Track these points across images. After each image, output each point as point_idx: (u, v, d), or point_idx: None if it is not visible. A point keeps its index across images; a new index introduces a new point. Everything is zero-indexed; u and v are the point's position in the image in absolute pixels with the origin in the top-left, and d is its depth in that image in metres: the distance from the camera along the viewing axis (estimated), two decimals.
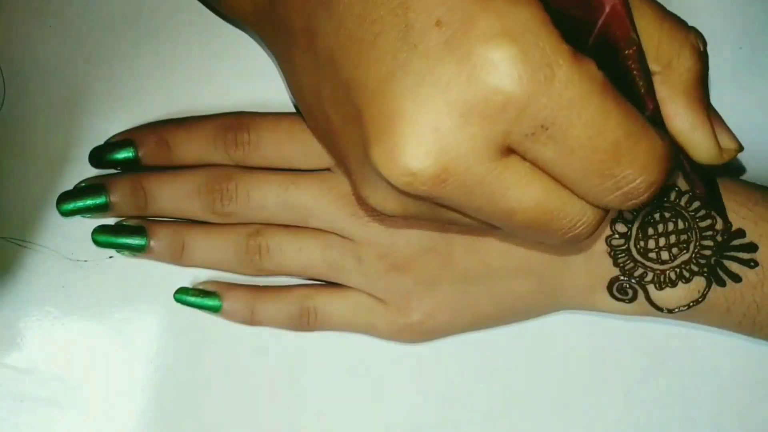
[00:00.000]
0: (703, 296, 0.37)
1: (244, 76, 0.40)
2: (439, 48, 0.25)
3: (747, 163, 0.42)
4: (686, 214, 0.37)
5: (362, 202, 0.37)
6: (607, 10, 0.26)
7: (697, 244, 0.37)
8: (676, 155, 0.29)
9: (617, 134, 0.26)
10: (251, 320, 0.40)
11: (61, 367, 0.40)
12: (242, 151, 0.38)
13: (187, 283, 0.40)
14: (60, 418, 0.40)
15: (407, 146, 0.26)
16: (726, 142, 0.31)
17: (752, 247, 0.36)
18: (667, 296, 0.37)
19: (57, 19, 0.39)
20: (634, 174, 0.26)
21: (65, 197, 0.38)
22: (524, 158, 0.27)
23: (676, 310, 0.37)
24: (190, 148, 0.38)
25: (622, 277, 0.37)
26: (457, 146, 0.26)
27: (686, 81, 0.29)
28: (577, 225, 0.28)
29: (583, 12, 0.27)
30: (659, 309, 0.37)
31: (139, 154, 0.39)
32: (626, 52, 0.27)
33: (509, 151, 0.26)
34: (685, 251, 0.37)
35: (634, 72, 0.28)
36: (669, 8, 0.42)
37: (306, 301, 0.39)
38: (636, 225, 0.37)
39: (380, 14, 0.26)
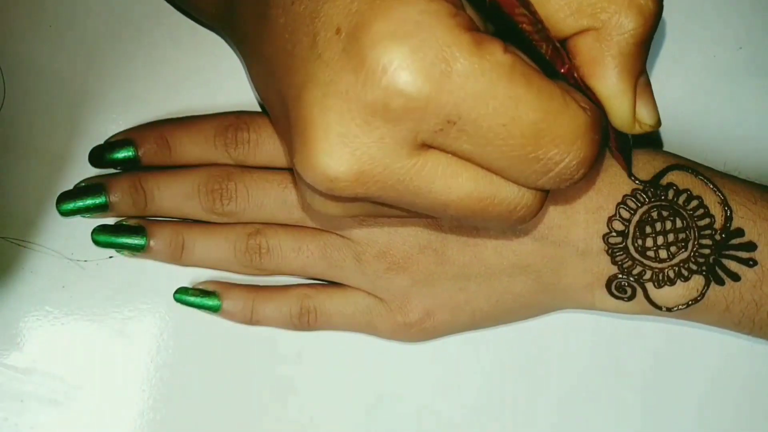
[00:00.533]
0: (702, 295, 0.37)
1: (244, 75, 0.40)
2: (339, 56, 0.25)
3: (746, 162, 0.42)
4: (684, 213, 0.37)
5: (308, 209, 0.38)
6: None
7: (696, 242, 0.37)
8: (602, 120, 0.28)
9: (532, 117, 0.25)
10: (251, 320, 0.40)
11: (61, 367, 0.40)
12: (242, 150, 0.38)
13: (186, 283, 0.40)
14: (60, 417, 0.40)
15: (320, 155, 0.26)
16: (644, 116, 0.29)
17: (751, 246, 0.36)
18: (665, 295, 0.37)
19: (57, 19, 0.39)
20: (560, 153, 0.26)
21: (65, 197, 0.38)
22: (444, 151, 0.27)
23: (675, 308, 0.37)
24: (190, 147, 0.39)
25: (620, 276, 0.37)
26: (368, 150, 0.26)
27: (621, 43, 0.27)
28: (517, 209, 0.28)
29: None
30: (658, 307, 0.37)
31: (139, 154, 0.39)
32: (516, 17, 0.26)
33: (427, 145, 0.26)
34: (683, 250, 0.37)
35: (532, 37, 0.27)
36: (669, 8, 0.42)
37: (306, 301, 0.39)
38: (633, 223, 0.37)
39: (297, 25, 0.27)
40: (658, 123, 0.30)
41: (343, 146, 0.26)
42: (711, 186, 0.37)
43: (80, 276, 0.40)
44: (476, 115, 0.25)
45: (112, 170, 0.39)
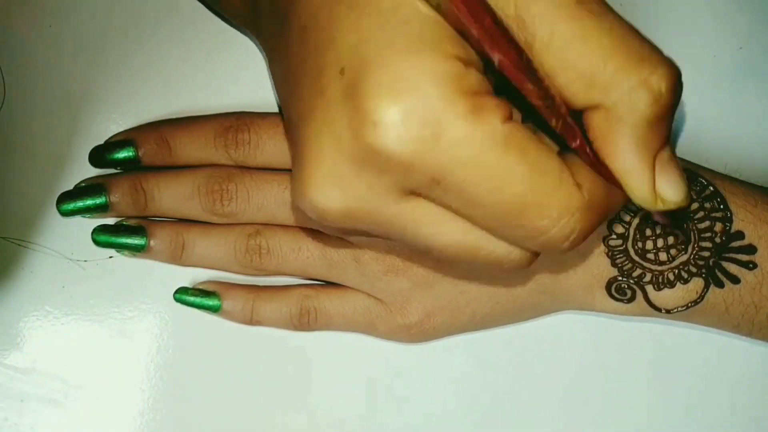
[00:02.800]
0: (702, 297, 0.37)
1: (244, 76, 0.40)
2: (338, 97, 0.25)
3: (747, 163, 0.42)
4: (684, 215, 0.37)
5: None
6: (496, 61, 0.25)
7: (696, 245, 0.37)
8: (603, 201, 0.27)
9: (519, 190, 0.25)
10: (251, 320, 0.40)
11: (61, 367, 0.40)
12: (243, 151, 0.38)
13: (186, 283, 0.40)
14: (60, 418, 0.40)
15: (311, 189, 0.27)
16: (668, 193, 0.28)
17: (751, 249, 0.36)
18: (665, 297, 0.37)
19: (57, 19, 0.39)
20: (546, 226, 0.26)
21: (65, 197, 0.38)
22: (433, 202, 0.27)
23: (675, 310, 0.37)
24: (191, 147, 0.38)
25: (620, 278, 0.37)
26: (356, 191, 0.26)
27: (634, 122, 0.26)
28: (505, 262, 0.29)
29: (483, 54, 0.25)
30: (658, 309, 0.38)
31: (139, 154, 0.39)
32: (524, 92, 0.26)
33: (416, 193, 0.27)
34: (683, 252, 0.37)
35: (541, 111, 0.26)
36: (671, 8, 0.42)
37: (306, 301, 0.39)
38: (634, 226, 0.37)
39: (307, 54, 0.27)
40: (686, 200, 0.28)
41: (333, 184, 0.26)
42: (711, 188, 0.37)
43: (80, 276, 0.40)
44: (461, 180, 0.25)
45: (112, 170, 0.39)
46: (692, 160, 0.38)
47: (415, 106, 0.24)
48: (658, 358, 0.41)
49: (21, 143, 0.39)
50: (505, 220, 0.26)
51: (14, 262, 0.39)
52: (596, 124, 0.26)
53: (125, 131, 0.39)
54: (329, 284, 0.40)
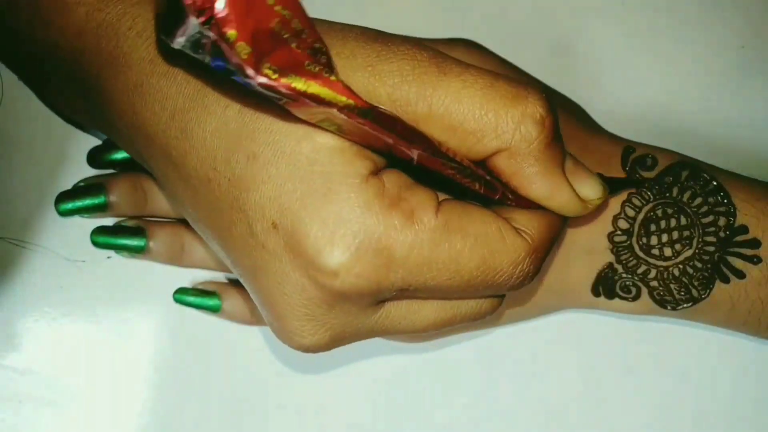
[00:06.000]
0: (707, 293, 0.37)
1: None
2: (284, 252, 0.27)
3: (749, 160, 0.42)
4: (689, 210, 0.37)
5: None
6: (415, 158, 0.27)
7: (700, 240, 0.36)
8: (546, 232, 0.30)
9: (473, 265, 0.28)
10: (251, 320, 0.39)
11: (59, 367, 0.39)
12: None
13: (186, 283, 0.40)
14: (58, 418, 0.39)
15: (292, 332, 0.29)
16: (588, 194, 0.30)
17: (755, 243, 0.36)
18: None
19: None
20: (505, 279, 0.29)
21: (64, 197, 0.38)
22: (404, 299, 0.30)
23: (680, 307, 0.37)
24: None
25: (624, 275, 0.37)
26: (335, 320, 0.29)
27: (533, 152, 0.28)
28: (479, 314, 0.32)
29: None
30: (663, 306, 0.37)
31: None
32: (443, 172, 0.28)
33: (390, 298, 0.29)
34: (688, 247, 0.37)
35: (462, 182, 0.28)
36: (672, 7, 0.42)
37: None
38: (638, 221, 0.37)
39: (222, 205, 0.28)
40: (605, 191, 0.31)
41: (313, 322, 0.28)
42: (715, 183, 0.37)
43: (78, 276, 0.40)
44: (423, 280, 0.27)
45: (110, 170, 0.39)
46: (695, 156, 0.38)
47: (361, 244, 0.26)
48: (661, 359, 0.41)
49: (19, 143, 0.39)
50: (469, 290, 0.29)
51: (12, 262, 0.39)
52: (503, 166, 0.28)
53: None
54: None
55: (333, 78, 0.23)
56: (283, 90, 0.22)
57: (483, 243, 0.28)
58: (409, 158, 0.27)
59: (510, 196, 0.29)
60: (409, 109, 0.27)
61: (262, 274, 0.28)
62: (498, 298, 0.32)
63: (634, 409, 0.41)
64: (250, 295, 0.30)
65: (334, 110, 0.24)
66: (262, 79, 0.22)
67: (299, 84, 0.22)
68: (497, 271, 0.28)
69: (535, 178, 0.29)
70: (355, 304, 0.28)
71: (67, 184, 0.39)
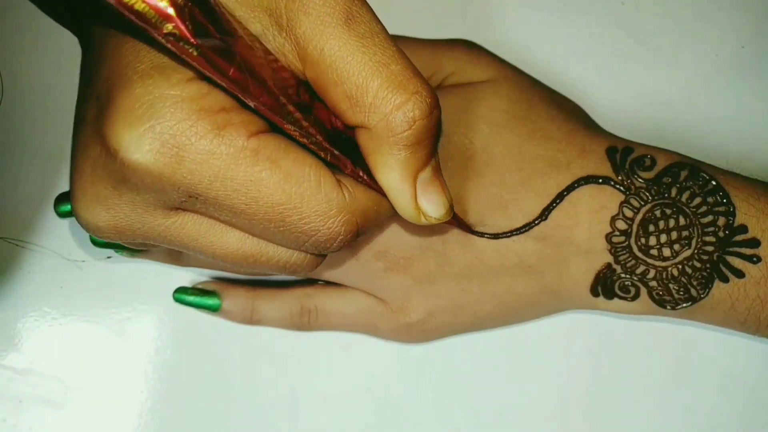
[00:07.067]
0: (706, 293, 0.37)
1: None
2: (92, 123, 0.27)
3: (749, 159, 0.42)
4: (687, 210, 0.36)
5: None
6: (252, 106, 0.26)
7: (699, 240, 0.36)
8: (370, 204, 0.29)
9: (275, 199, 0.27)
10: (251, 320, 0.39)
11: (59, 367, 0.40)
12: None
13: (185, 283, 0.40)
14: (58, 418, 0.39)
15: (80, 210, 0.28)
16: (429, 210, 0.30)
17: (755, 243, 0.36)
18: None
19: None
20: (312, 229, 0.28)
21: (63, 198, 0.38)
22: (202, 215, 0.28)
23: (679, 307, 0.37)
24: None
25: (623, 275, 0.37)
26: (121, 209, 0.28)
27: (392, 144, 0.28)
28: (288, 265, 0.30)
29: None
30: (662, 306, 0.37)
31: None
32: (287, 131, 0.27)
33: (183, 207, 0.28)
34: (687, 247, 0.36)
35: (309, 147, 0.28)
36: (673, 7, 0.42)
37: (306, 300, 0.39)
38: (637, 222, 0.37)
39: (87, 78, 0.28)
40: (446, 216, 0.30)
41: (98, 204, 0.28)
42: (714, 183, 0.37)
43: (78, 276, 0.40)
44: (215, 194, 0.26)
45: None
46: (694, 156, 0.38)
47: (152, 130, 0.25)
48: (661, 358, 0.41)
49: (19, 144, 0.39)
50: (269, 228, 0.28)
51: (12, 262, 0.39)
52: (363, 142, 0.28)
53: None
54: (330, 284, 0.40)
55: (164, 2, 0.23)
56: None
57: (294, 181, 0.27)
58: (247, 104, 0.26)
59: (363, 176, 0.29)
60: (301, 45, 0.26)
61: (73, 146, 0.28)
62: (312, 257, 0.31)
63: (634, 408, 0.41)
64: None
65: (156, 35, 0.23)
66: None
67: None
68: (302, 217, 0.27)
69: (385, 168, 0.28)
70: (140, 196, 0.27)
71: (67, 185, 0.39)
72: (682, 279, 0.37)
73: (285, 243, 0.29)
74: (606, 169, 0.37)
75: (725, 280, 0.36)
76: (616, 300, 0.38)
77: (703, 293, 0.36)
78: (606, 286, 0.37)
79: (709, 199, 0.37)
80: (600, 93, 0.42)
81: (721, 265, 0.36)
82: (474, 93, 0.38)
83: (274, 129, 0.27)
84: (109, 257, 0.40)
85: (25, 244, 0.39)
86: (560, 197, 0.37)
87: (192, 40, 0.24)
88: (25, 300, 0.39)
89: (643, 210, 0.37)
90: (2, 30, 0.39)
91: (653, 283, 0.37)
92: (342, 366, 0.41)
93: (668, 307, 0.37)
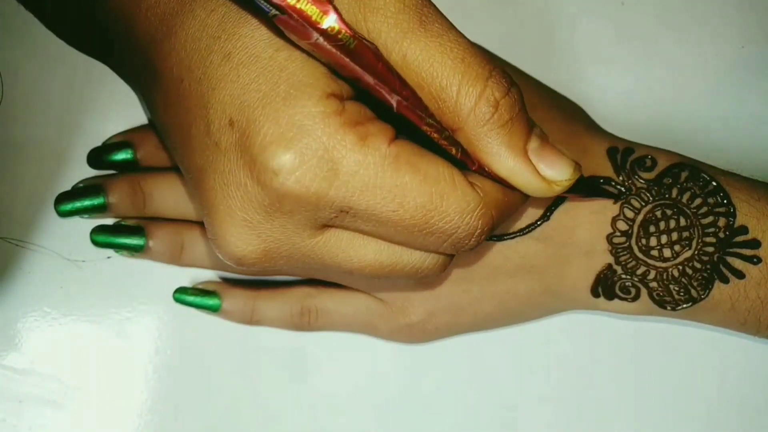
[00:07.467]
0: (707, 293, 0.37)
1: None
2: (234, 149, 0.27)
3: (749, 159, 0.41)
4: (688, 211, 0.36)
5: None
6: (395, 105, 0.27)
7: (700, 240, 0.36)
8: (501, 197, 0.30)
9: (419, 201, 0.27)
10: (251, 320, 0.39)
11: (59, 367, 0.39)
12: None
13: (186, 283, 0.40)
14: (58, 418, 0.39)
15: (228, 238, 0.28)
16: (554, 175, 0.30)
17: (755, 244, 0.36)
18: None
19: None
20: (452, 228, 0.28)
21: (63, 198, 0.38)
22: (345, 229, 0.29)
23: (680, 308, 0.37)
24: None
25: (624, 276, 0.37)
26: (272, 233, 0.28)
27: (488, 132, 0.28)
28: (421, 270, 0.31)
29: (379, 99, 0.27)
30: (663, 307, 0.37)
31: (138, 156, 0.38)
32: (423, 128, 0.28)
33: (328, 225, 0.29)
34: (687, 248, 0.36)
35: (440, 143, 0.28)
36: (673, 7, 0.42)
37: (306, 300, 0.39)
38: (637, 223, 0.37)
39: (190, 105, 0.28)
40: (574, 173, 0.30)
41: (249, 230, 0.28)
42: (714, 184, 0.37)
43: (78, 276, 0.40)
44: (366, 205, 0.27)
45: (110, 171, 0.39)
46: (695, 157, 0.38)
47: (307, 149, 0.26)
48: (661, 359, 0.41)
49: (19, 143, 0.39)
50: (414, 232, 0.28)
51: (12, 262, 0.39)
52: (465, 142, 0.29)
53: (123, 132, 0.39)
54: (330, 284, 0.40)
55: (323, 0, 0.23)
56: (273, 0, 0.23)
57: (432, 182, 0.27)
58: (389, 104, 0.27)
59: (488, 171, 0.29)
60: (385, 52, 0.27)
61: (210, 174, 0.28)
62: (445, 258, 0.31)
63: (634, 409, 0.41)
64: (198, 203, 0.30)
65: (316, 37, 0.24)
66: None
67: None
68: (443, 215, 0.28)
69: (494, 158, 0.29)
70: (292, 218, 0.28)
71: (67, 185, 0.39)
72: (683, 280, 0.37)
73: (425, 245, 0.29)
74: (607, 170, 0.37)
75: (725, 280, 0.36)
76: (616, 300, 0.38)
77: (703, 294, 0.37)
78: (607, 286, 0.37)
79: (710, 200, 0.37)
80: (600, 93, 0.42)
81: (721, 266, 0.36)
82: None
83: (403, 135, 0.28)
84: (109, 257, 0.40)
85: (25, 244, 0.39)
86: (562, 198, 0.37)
87: (351, 33, 0.24)
88: (25, 300, 0.39)
89: (644, 211, 0.37)
90: (2, 30, 0.39)
91: (654, 284, 0.37)
92: (342, 366, 0.41)
93: (669, 308, 0.37)
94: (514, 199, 0.30)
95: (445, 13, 0.29)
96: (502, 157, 0.29)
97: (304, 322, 0.39)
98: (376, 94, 0.27)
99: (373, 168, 0.27)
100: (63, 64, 0.39)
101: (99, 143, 0.39)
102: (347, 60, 0.25)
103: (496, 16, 0.43)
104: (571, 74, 0.43)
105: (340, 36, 0.24)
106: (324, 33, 0.24)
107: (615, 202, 0.37)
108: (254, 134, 0.26)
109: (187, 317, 0.40)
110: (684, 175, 0.37)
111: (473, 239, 0.29)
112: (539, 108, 0.38)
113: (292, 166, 0.26)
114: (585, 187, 0.33)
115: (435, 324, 0.39)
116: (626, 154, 0.37)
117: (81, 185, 0.39)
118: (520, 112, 0.29)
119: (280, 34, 0.26)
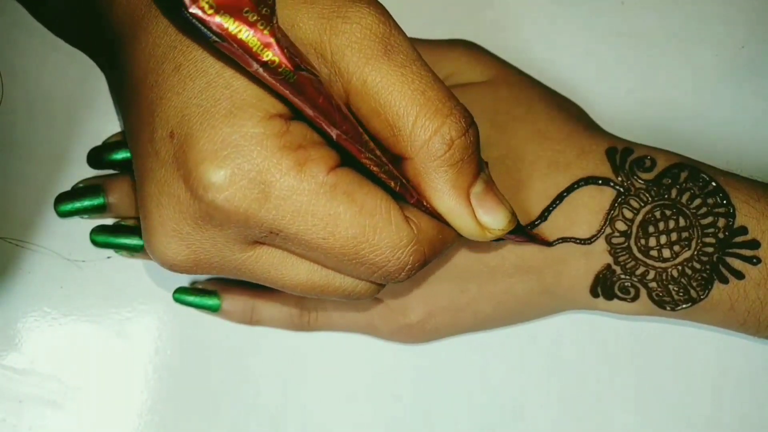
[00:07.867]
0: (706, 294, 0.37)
1: None
2: (171, 160, 0.27)
3: (749, 160, 0.41)
4: (687, 211, 0.36)
5: None
6: (334, 137, 0.27)
7: (699, 241, 0.36)
8: (436, 234, 0.30)
9: (351, 232, 0.27)
10: (251, 320, 0.39)
11: (59, 367, 0.40)
12: None
13: (186, 283, 0.40)
14: (58, 418, 0.39)
15: (159, 245, 0.29)
16: (490, 223, 0.30)
17: (754, 244, 0.36)
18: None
19: None
20: (382, 261, 0.28)
21: (63, 198, 0.38)
22: (277, 248, 0.29)
23: (679, 308, 0.37)
24: None
25: (623, 276, 0.37)
26: (201, 245, 0.29)
27: (437, 168, 0.28)
28: (353, 294, 0.31)
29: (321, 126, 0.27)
30: (662, 307, 0.37)
31: None
32: (362, 161, 0.28)
33: (260, 242, 0.29)
34: (686, 249, 0.36)
35: (379, 176, 0.28)
36: (673, 8, 0.42)
37: (306, 301, 0.39)
38: (636, 223, 0.37)
39: (140, 110, 0.29)
40: (509, 225, 0.30)
41: (179, 240, 0.29)
42: (714, 184, 0.37)
43: (78, 276, 0.40)
44: (296, 230, 0.27)
45: (110, 171, 0.39)
46: (694, 156, 0.38)
47: (239, 169, 0.26)
48: (661, 359, 0.41)
49: (19, 144, 0.39)
50: (344, 260, 0.28)
51: (12, 262, 0.39)
52: (411, 173, 0.29)
53: (123, 132, 0.39)
54: None
55: (267, 32, 0.23)
56: (214, 27, 0.23)
57: (367, 215, 0.27)
58: (329, 135, 0.27)
59: (426, 205, 0.29)
60: (345, 78, 0.27)
61: (148, 182, 0.28)
62: (376, 285, 0.31)
63: (634, 409, 0.41)
64: (138, 199, 0.30)
65: (257, 67, 0.24)
66: (195, 10, 0.22)
67: (231, 25, 0.23)
68: (374, 248, 0.28)
69: (437, 194, 0.29)
70: (222, 232, 0.28)
71: (67, 185, 0.39)
72: (682, 280, 0.37)
73: (355, 274, 0.30)
74: (606, 170, 0.37)
75: (725, 281, 0.36)
76: (615, 301, 0.38)
77: (702, 294, 0.36)
78: (606, 286, 0.37)
79: (709, 201, 0.36)
80: (600, 93, 0.42)
81: (720, 267, 0.36)
82: (474, 94, 0.38)
83: (345, 163, 0.28)
84: (109, 257, 0.40)
85: (25, 244, 0.39)
86: (560, 198, 0.37)
87: (291, 67, 0.24)
88: (25, 300, 0.39)
89: (643, 211, 0.37)
90: (2, 30, 0.39)
91: (653, 284, 0.37)
92: (342, 366, 0.41)
93: (668, 308, 0.37)
94: (447, 236, 0.30)
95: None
96: (445, 195, 0.29)
97: (303, 323, 0.39)
98: (316, 124, 0.27)
99: (307, 194, 0.27)
100: (63, 64, 0.39)
101: (99, 143, 0.39)
102: (287, 92, 0.25)
103: (495, 16, 0.43)
104: (570, 74, 0.43)
105: (280, 69, 0.24)
106: (264, 64, 0.24)
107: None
108: (190, 149, 0.26)
109: (187, 317, 0.40)
110: (683, 175, 0.37)
111: (404, 273, 0.29)
112: (537, 107, 0.38)
113: (223, 184, 0.26)
114: (522, 233, 0.34)
115: (434, 324, 0.39)
116: (625, 155, 0.37)
117: (81, 185, 0.39)
118: (473, 154, 0.29)
119: (224, 57, 0.26)
